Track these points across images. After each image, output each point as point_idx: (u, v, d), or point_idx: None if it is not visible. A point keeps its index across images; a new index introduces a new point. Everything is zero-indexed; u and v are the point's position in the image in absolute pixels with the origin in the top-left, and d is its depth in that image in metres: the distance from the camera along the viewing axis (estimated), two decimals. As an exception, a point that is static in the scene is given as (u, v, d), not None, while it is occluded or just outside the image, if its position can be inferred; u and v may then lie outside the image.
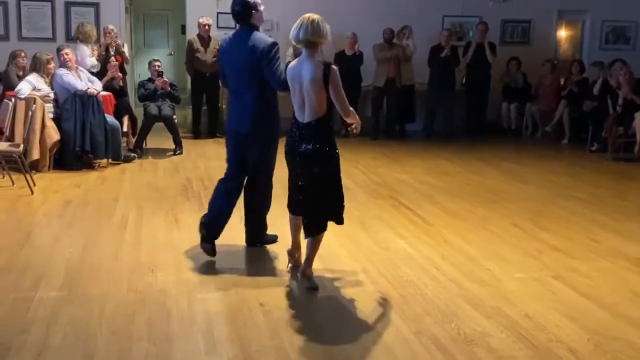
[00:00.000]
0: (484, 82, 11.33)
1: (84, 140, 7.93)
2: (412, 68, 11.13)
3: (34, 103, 7.45)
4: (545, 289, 4.50)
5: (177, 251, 5.12)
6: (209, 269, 4.76)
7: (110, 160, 8.36)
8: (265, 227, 5.27)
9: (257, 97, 4.83)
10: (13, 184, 7.06)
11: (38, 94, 7.82)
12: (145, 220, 5.95)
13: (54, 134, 7.83)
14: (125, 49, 10.01)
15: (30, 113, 7.40)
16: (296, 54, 4.69)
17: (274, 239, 5.28)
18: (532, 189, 7.65)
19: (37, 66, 8.14)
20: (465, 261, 5.02)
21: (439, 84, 11.04)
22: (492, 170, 8.70)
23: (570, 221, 6.22)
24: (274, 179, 5.15)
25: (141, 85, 9.61)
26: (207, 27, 10.49)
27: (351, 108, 4.44)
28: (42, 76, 8.10)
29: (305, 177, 4.43)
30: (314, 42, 4.29)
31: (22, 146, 7.08)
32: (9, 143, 7.20)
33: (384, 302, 4.23)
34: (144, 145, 9.33)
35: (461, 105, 11.44)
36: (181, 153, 9.27)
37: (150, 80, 9.54)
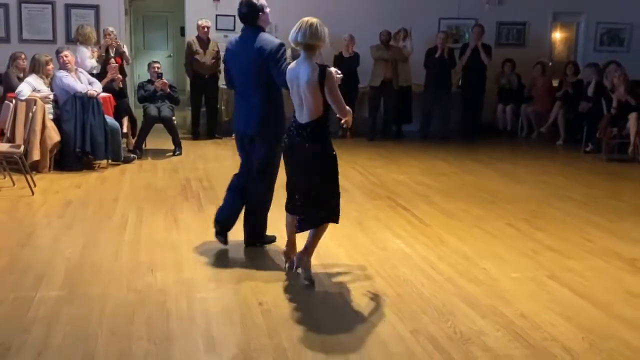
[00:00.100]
0: (480, 84, 11.34)
1: (84, 141, 7.92)
2: (409, 69, 11.15)
3: (35, 104, 7.45)
4: (541, 289, 4.50)
5: (177, 251, 5.11)
6: (208, 268, 4.76)
7: (110, 161, 8.35)
8: (264, 227, 5.27)
9: (263, 99, 4.86)
10: (14, 184, 7.05)
11: (38, 95, 7.81)
12: (144, 220, 5.95)
13: (54, 135, 7.83)
14: (125, 50, 10.01)
15: (30, 114, 7.39)
16: (294, 56, 4.72)
17: (272, 240, 5.29)
18: (527, 189, 7.66)
19: (36, 67, 8.14)
20: (461, 261, 5.03)
21: (435, 86, 11.05)
22: (487, 170, 8.70)
23: (565, 221, 6.23)
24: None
25: (141, 86, 9.61)
26: (206, 29, 10.49)
27: (348, 108, 4.46)
28: (41, 77, 8.09)
29: (302, 176, 4.46)
30: (311, 45, 4.32)
31: (22, 147, 7.07)
32: (9, 144, 7.20)
33: (382, 301, 4.23)
34: (143, 146, 9.33)
35: (457, 106, 11.45)
36: (180, 154, 9.27)
37: (150, 81, 9.54)
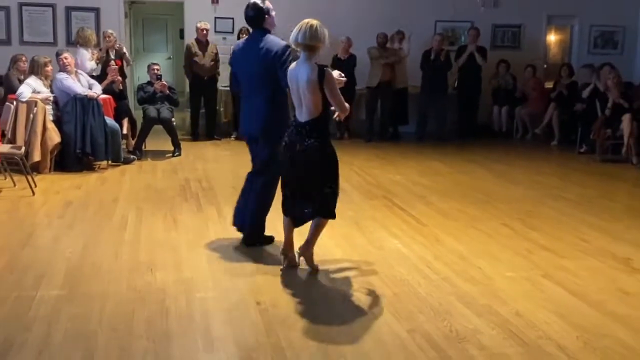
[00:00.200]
0: (476, 85, 11.38)
1: (85, 142, 7.92)
2: (406, 71, 11.16)
3: (35, 106, 7.45)
4: (535, 288, 4.51)
5: (176, 251, 5.11)
6: (207, 268, 4.76)
7: (110, 162, 8.35)
8: (263, 227, 5.28)
9: (268, 100, 4.90)
10: (15, 185, 7.05)
11: (39, 96, 7.81)
12: (144, 220, 5.94)
13: (54, 137, 7.82)
14: (126, 52, 10.01)
15: (31, 116, 7.40)
16: (293, 57, 4.76)
17: (271, 240, 5.29)
18: (522, 189, 7.66)
19: (35, 69, 8.13)
20: (457, 260, 5.03)
21: (431, 88, 11.06)
22: (483, 171, 8.71)
23: (560, 221, 6.24)
24: None
25: (140, 88, 9.60)
26: (205, 32, 10.49)
27: (347, 105, 4.53)
28: (40, 78, 8.08)
29: (301, 173, 4.51)
30: (311, 46, 4.38)
31: (23, 148, 7.07)
32: (10, 145, 7.19)
33: (378, 301, 4.24)
34: (143, 147, 9.32)
35: (453, 108, 11.47)
36: (180, 155, 9.26)
37: (150, 83, 9.54)
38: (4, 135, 7.45)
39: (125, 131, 9.17)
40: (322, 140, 4.48)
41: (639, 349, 3.62)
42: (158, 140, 9.69)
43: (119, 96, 9.28)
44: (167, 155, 9.21)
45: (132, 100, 11.11)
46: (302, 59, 4.44)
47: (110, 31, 9.80)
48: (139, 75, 13.55)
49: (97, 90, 8.39)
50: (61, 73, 8.12)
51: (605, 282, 4.66)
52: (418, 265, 4.89)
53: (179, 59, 13.45)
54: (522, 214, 6.45)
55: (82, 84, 8.26)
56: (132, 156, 8.79)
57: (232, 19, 11.35)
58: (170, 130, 9.33)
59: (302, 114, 4.46)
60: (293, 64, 4.54)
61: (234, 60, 5.23)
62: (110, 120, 8.40)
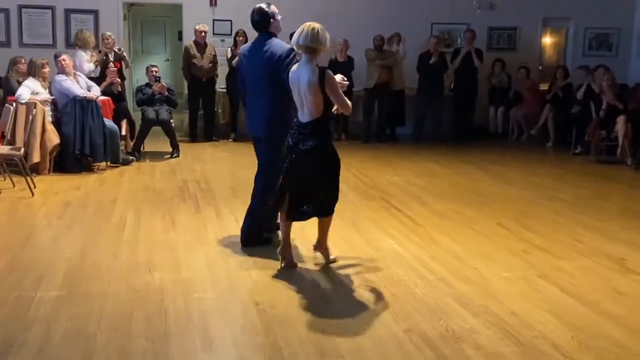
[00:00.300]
0: (472, 87, 11.38)
1: (84, 143, 7.91)
2: (402, 73, 11.16)
3: (35, 108, 7.45)
4: (531, 288, 4.51)
5: (174, 251, 5.11)
6: (205, 268, 4.75)
7: (108, 163, 8.34)
8: (262, 228, 5.29)
9: (272, 102, 4.97)
10: (14, 186, 7.04)
11: (38, 98, 7.80)
12: (143, 221, 5.94)
13: (54, 138, 7.81)
14: (125, 54, 10.01)
15: (30, 117, 7.40)
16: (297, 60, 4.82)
17: (268, 241, 5.28)
18: (517, 190, 7.67)
19: (33, 70, 8.12)
20: (453, 260, 5.03)
21: (427, 89, 11.07)
22: (479, 172, 8.72)
23: (555, 222, 6.25)
24: None
25: (139, 90, 9.61)
26: (203, 34, 10.49)
27: (349, 103, 4.60)
28: (38, 80, 8.07)
29: (303, 172, 4.56)
30: (313, 48, 4.44)
31: (22, 149, 7.06)
32: (10, 146, 7.18)
33: (375, 301, 4.24)
34: (141, 148, 9.32)
35: (449, 109, 11.48)
36: (178, 156, 9.26)
37: (148, 85, 9.54)
38: (3, 136, 7.44)
39: (124, 132, 9.17)
40: (323, 141, 4.55)
41: (633, 348, 3.63)
42: (156, 142, 9.68)
43: (117, 98, 9.27)
44: (165, 157, 9.21)
45: (130, 102, 11.10)
46: (303, 61, 4.51)
47: (108, 33, 9.80)
48: (137, 77, 13.54)
49: (95, 92, 8.39)
50: (60, 75, 8.11)
51: (600, 282, 4.67)
52: (414, 266, 4.90)
53: (178, 61, 13.45)
54: (517, 214, 6.45)
55: (81, 86, 8.25)
56: (130, 157, 8.78)
57: (230, 21, 11.35)
58: (169, 132, 9.33)
59: (304, 115, 4.53)
60: (294, 66, 4.60)
61: (240, 64, 5.30)
62: (109, 122, 8.39)
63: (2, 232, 5.60)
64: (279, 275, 4.66)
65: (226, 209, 6.36)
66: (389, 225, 6.00)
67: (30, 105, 7.52)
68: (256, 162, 5.31)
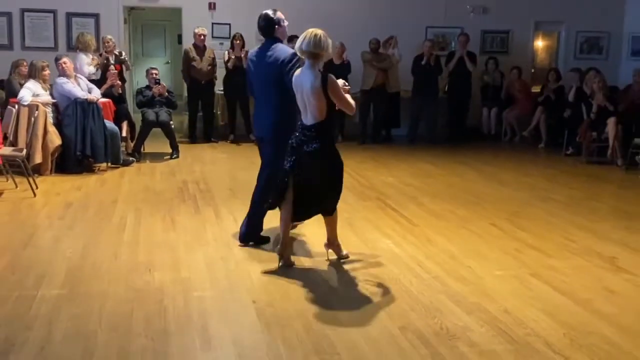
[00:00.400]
0: (465, 90, 11.39)
1: (85, 145, 7.89)
2: (398, 76, 11.16)
3: (37, 110, 7.43)
4: (523, 286, 4.51)
5: (174, 251, 5.10)
6: (204, 268, 4.74)
7: (109, 164, 8.32)
8: (260, 227, 5.29)
9: (276, 106, 5.01)
10: (16, 187, 7.02)
11: (39, 100, 7.79)
12: (143, 221, 5.93)
13: (55, 139, 7.80)
14: (126, 57, 10.00)
15: (33, 119, 7.39)
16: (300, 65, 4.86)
17: (266, 240, 5.29)
18: (510, 190, 7.67)
19: (33, 72, 8.11)
20: (448, 259, 5.03)
21: (422, 92, 11.08)
22: (473, 173, 8.72)
23: (547, 221, 6.25)
24: None
25: (139, 92, 9.59)
26: (202, 37, 10.48)
27: (352, 102, 4.63)
28: (38, 82, 8.06)
29: (306, 174, 4.60)
30: (315, 54, 4.50)
31: (25, 151, 7.05)
32: (12, 148, 7.16)
33: (371, 299, 4.24)
34: (142, 149, 9.30)
35: (444, 111, 11.49)
36: (178, 157, 9.24)
37: (148, 87, 9.53)
38: (6, 138, 7.42)
39: (124, 134, 9.15)
40: (327, 143, 4.61)
41: (624, 345, 3.63)
42: (156, 143, 9.66)
43: (118, 100, 9.26)
44: (165, 158, 9.19)
45: (131, 104, 11.08)
46: (306, 66, 4.57)
47: (109, 36, 9.78)
48: (138, 79, 13.52)
49: (96, 94, 8.37)
50: (61, 77, 8.09)
51: (592, 280, 4.67)
52: (410, 265, 4.89)
53: (177, 64, 13.42)
54: (510, 214, 6.45)
55: (82, 88, 8.23)
56: (131, 158, 8.76)
57: (229, 24, 11.35)
58: (169, 133, 9.32)
59: (308, 118, 4.58)
60: (298, 71, 4.65)
61: (248, 68, 5.34)
62: (109, 124, 8.38)
63: (4, 232, 5.59)
64: (277, 274, 4.65)
65: (225, 210, 6.35)
66: (385, 225, 6.00)
67: (32, 107, 7.51)
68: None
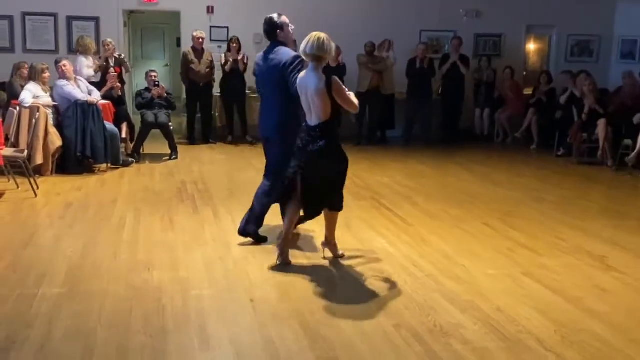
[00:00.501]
0: (459, 92, 11.40)
1: (85, 146, 7.88)
2: (393, 78, 11.16)
3: (38, 111, 7.42)
4: (516, 284, 4.52)
5: (172, 250, 5.09)
6: (202, 267, 4.74)
7: (109, 165, 8.30)
8: (261, 223, 5.32)
9: (281, 107, 5.07)
10: (18, 187, 7.00)
11: (40, 102, 7.77)
12: (142, 221, 5.92)
13: (56, 140, 7.78)
14: (126, 60, 9.99)
15: (34, 121, 7.37)
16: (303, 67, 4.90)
17: (263, 239, 5.30)
18: (503, 191, 7.68)
19: (33, 75, 8.09)
20: (442, 259, 5.03)
21: (417, 94, 11.08)
22: (466, 173, 8.73)
23: (539, 221, 6.25)
24: None
25: (139, 94, 9.58)
26: (200, 40, 10.46)
27: (355, 101, 4.68)
28: (38, 84, 8.04)
29: (314, 173, 4.65)
30: (318, 57, 4.56)
31: (26, 152, 7.04)
32: (14, 149, 7.15)
33: (366, 297, 4.23)
34: (141, 150, 9.28)
35: (437, 113, 11.48)
36: (176, 158, 9.23)
37: (147, 89, 9.51)
38: (7, 139, 7.40)
39: (124, 135, 9.13)
40: (332, 141, 4.64)
41: (614, 342, 3.63)
42: (156, 144, 9.65)
43: (118, 102, 9.24)
44: (164, 159, 9.17)
45: (130, 106, 11.06)
46: (310, 68, 4.62)
47: (109, 40, 9.76)
48: (137, 82, 13.50)
49: (96, 96, 8.36)
50: (61, 80, 8.08)
51: (582, 279, 4.68)
52: (404, 264, 4.89)
53: (176, 66, 13.39)
54: (503, 214, 6.46)
55: (82, 90, 8.22)
56: (130, 159, 8.75)
57: (227, 28, 11.33)
58: (168, 135, 9.30)
59: (312, 119, 4.62)
60: (302, 73, 4.70)
61: (256, 69, 5.40)
62: (109, 125, 8.36)
63: (6, 232, 5.57)
64: (274, 273, 4.65)
65: (223, 210, 6.34)
66: (379, 225, 5.99)
67: (33, 109, 7.49)
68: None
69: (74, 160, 7.94)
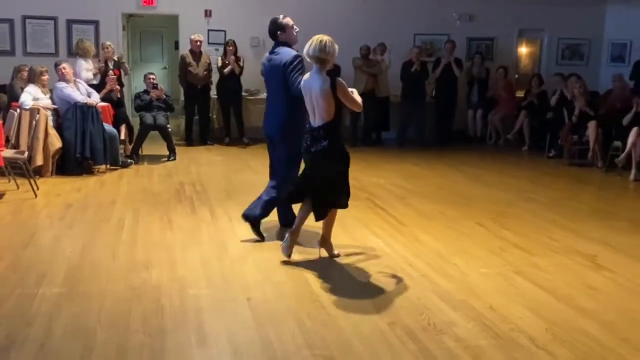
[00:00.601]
0: (452, 95, 11.43)
1: (84, 147, 7.87)
2: (387, 81, 11.17)
3: (38, 113, 7.40)
4: (508, 283, 4.52)
5: (171, 250, 5.08)
6: (200, 266, 4.73)
7: (108, 166, 8.29)
8: (265, 215, 5.34)
9: (283, 106, 5.12)
10: (18, 188, 6.98)
11: (40, 104, 7.76)
12: (141, 221, 5.90)
13: (56, 142, 7.77)
14: (125, 62, 9.97)
15: (34, 122, 7.35)
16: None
17: (262, 238, 5.30)
18: (495, 191, 7.69)
19: (32, 77, 8.08)
20: (435, 258, 5.04)
21: (411, 97, 11.10)
22: (459, 174, 8.74)
23: (530, 221, 6.26)
24: None
25: (137, 96, 9.57)
26: (198, 43, 10.47)
27: (359, 100, 4.69)
28: (38, 86, 8.02)
29: (316, 173, 4.70)
30: (322, 59, 4.60)
31: (26, 153, 7.03)
32: (14, 150, 7.13)
33: (361, 295, 4.24)
34: (140, 152, 9.27)
35: (431, 115, 11.51)
36: (175, 159, 9.22)
37: (146, 92, 9.51)
38: (8, 140, 7.39)
39: (122, 137, 9.12)
40: (335, 142, 4.65)
41: (605, 340, 3.64)
42: (154, 146, 9.63)
43: (117, 104, 9.22)
44: (162, 160, 9.16)
45: (129, 108, 11.04)
46: (314, 70, 4.65)
47: (108, 43, 9.75)
48: (136, 84, 13.48)
49: (95, 98, 8.34)
50: (61, 82, 8.06)
51: (573, 278, 4.69)
52: (399, 263, 4.89)
53: (174, 69, 13.37)
54: (496, 214, 6.47)
55: (81, 92, 8.21)
56: (129, 160, 8.74)
57: (224, 31, 11.33)
58: (166, 136, 9.29)
59: (316, 120, 4.64)
60: (306, 75, 4.74)
61: (263, 69, 5.43)
62: (108, 127, 8.35)
63: (6, 232, 5.55)
64: (271, 272, 4.64)
65: (220, 210, 6.34)
66: (374, 224, 6.00)
67: (33, 111, 7.48)
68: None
69: (74, 161, 7.93)
